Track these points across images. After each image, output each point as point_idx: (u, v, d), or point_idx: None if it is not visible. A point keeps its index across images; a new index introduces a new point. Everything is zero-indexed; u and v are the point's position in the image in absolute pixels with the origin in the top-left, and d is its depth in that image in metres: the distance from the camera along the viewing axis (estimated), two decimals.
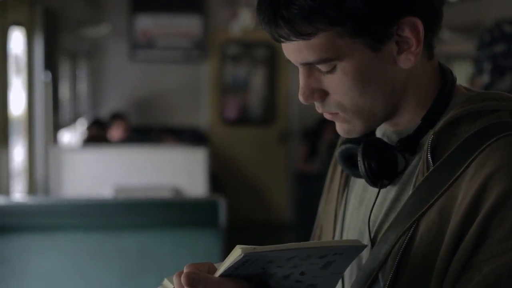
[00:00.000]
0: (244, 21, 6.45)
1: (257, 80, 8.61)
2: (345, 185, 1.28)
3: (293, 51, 1.07)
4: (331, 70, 1.06)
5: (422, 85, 1.11)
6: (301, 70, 1.09)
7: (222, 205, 3.74)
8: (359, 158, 1.12)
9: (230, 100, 8.46)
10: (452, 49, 6.33)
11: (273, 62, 8.31)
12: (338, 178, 1.30)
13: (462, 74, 5.96)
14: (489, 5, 5.47)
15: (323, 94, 1.09)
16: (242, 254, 0.92)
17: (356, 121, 1.10)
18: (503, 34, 3.50)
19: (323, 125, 7.64)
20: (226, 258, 0.97)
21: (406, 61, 1.06)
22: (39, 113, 5.11)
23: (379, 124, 1.14)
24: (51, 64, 5.37)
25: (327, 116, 1.13)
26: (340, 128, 1.13)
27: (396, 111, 1.11)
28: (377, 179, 1.11)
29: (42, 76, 5.10)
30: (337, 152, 1.22)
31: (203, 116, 8.24)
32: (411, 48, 1.05)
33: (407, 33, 1.04)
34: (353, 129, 1.11)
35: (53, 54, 5.55)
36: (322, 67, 1.06)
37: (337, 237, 1.26)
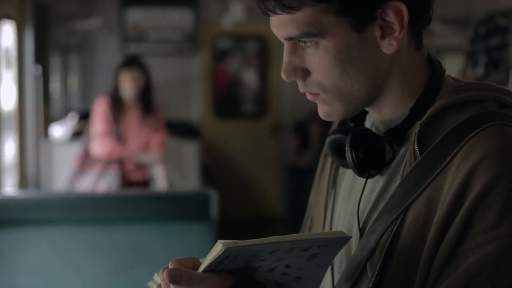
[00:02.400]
0: (236, 14, 6.44)
1: (249, 73, 8.60)
2: (335, 175, 1.29)
3: (278, 25, 1.08)
4: (314, 48, 1.07)
5: (410, 74, 1.11)
6: (285, 47, 1.10)
7: (214, 198, 3.75)
8: (347, 148, 1.13)
9: (221, 93, 8.45)
10: (443, 42, 6.35)
11: (265, 56, 8.30)
12: (329, 169, 1.31)
13: (453, 66, 5.97)
14: None
15: (305, 73, 1.10)
16: (223, 249, 0.92)
17: (336, 104, 1.11)
18: (497, 27, 3.52)
19: (314, 118, 7.65)
20: (209, 253, 0.97)
21: (389, 46, 1.06)
22: (29, 107, 5.10)
23: (360, 109, 1.14)
24: (41, 58, 5.36)
25: (308, 96, 1.14)
26: (321, 110, 1.13)
27: (380, 99, 1.12)
28: (364, 169, 1.12)
29: (32, 70, 5.09)
30: (326, 142, 1.22)
31: (194, 109, 8.23)
32: (394, 34, 1.05)
33: (391, 17, 1.04)
34: (334, 112, 1.12)
35: (44, 48, 5.53)
36: (304, 44, 1.08)
37: (327, 228, 1.27)
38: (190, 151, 5.87)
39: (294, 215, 7.00)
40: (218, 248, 0.93)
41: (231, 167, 8.38)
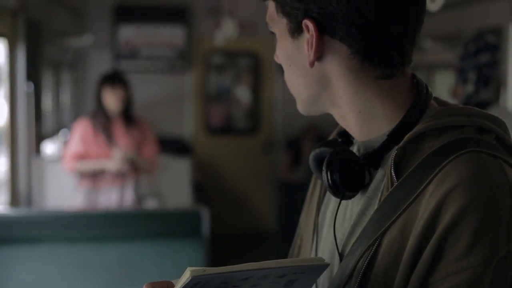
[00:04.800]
0: (228, 31, 6.46)
1: (241, 89, 8.62)
2: (324, 195, 1.28)
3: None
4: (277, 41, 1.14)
5: (372, 100, 1.10)
6: None
7: (205, 215, 3.75)
8: (323, 168, 1.13)
9: (214, 110, 8.47)
10: (435, 58, 6.38)
11: (257, 72, 8.33)
12: (319, 188, 1.30)
13: (444, 83, 6.00)
14: (470, 14, 5.52)
15: None
16: (190, 277, 0.92)
17: (295, 98, 1.17)
18: (487, 45, 3.54)
19: (306, 134, 7.67)
20: (179, 280, 0.96)
21: (308, 60, 1.10)
22: (21, 124, 5.09)
23: (318, 111, 1.17)
24: (33, 74, 5.36)
25: None
26: None
27: (342, 117, 1.14)
28: (339, 190, 1.11)
29: (24, 87, 5.09)
30: (310, 155, 1.22)
31: (187, 126, 8.24)
32: (310, 50, 1.08)
33: (307, 34, 1.08)
34: (297, 105, 1.18)
35: (36, 65, 5.53)
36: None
37: (314, 249, 1.26)
38: (182, 168, 5.87)
39: (287, 231, 7.00)
40: (187, 275, 0.93)
41: (224, 184, 8.38)
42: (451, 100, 3.97)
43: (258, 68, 8.26)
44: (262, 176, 8.46)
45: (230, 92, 8.57)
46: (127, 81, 4.99)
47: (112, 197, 4.81)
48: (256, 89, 8.41)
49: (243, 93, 8.60)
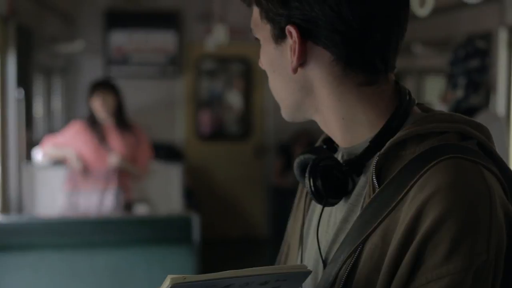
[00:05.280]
0: (219, 37, 6.47)
1: (232, 95, 8.64)
2: (310, 202, 1.28)
3: None
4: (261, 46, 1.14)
5: (355, 106, 1.10)
6: None
7: (196, 221, 3.75)
8: (306, 175, 1.13)
9: (205, 115, 8.48)
10: (425, 63, 6.40)
11: (248, 77, 8.34)
12: (305, 195, 1.30)
13: (435, 88, 6.01)
14: (460, 19, 5.54)
15: None
16: (170, 285, 0.92)
17: (279, 104, 1.16)
18: (477, 50, 3.56)
19: (297, 140, 7.68)
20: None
21: (291, 66, 1.09)
22: (12, 131, 5.09)
23: (299, 118, 1.17)
24: (24, 81, 5.35)
25: None
26: None
27: (325, 124, 1.14)
28: (322, 197, 1.11)
29: (15, 93, 5.08)
30: (295, 162, 1.21)
31: (178, 131, 8.24)
32: (293, 56, 1.08)
33: (290, 40, 1.08)
34: (282, 112, 1.17)
35: (27, 71, 5.53)
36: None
37: (299, 256, 1.26)
38: (173, 173, 5.87)
39: (279, 236, 6.97)
40: (167, 283, 0.93)
41: (215, 189, 8.38)
42: (440, 105, 3.98)
43: (249, 73, 8.27)
44: (254, 181, 8.46)
45: (221, 97, 8.58)
46: (117, 87, 5.01)
47: (92, 200, 4.84)
48: (248, 94, 8.42)
49: (234, 99, 8.61)
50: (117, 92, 4.97)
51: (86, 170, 4.88)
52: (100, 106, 4.88)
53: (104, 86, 4.99)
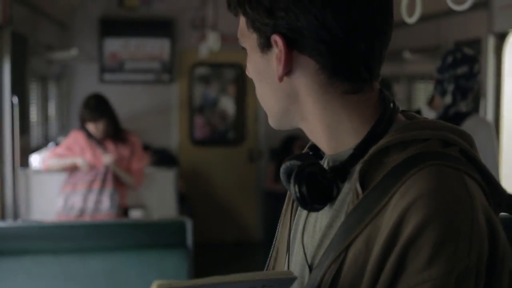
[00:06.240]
0: (212, 44, 6.52)
1: (226, 100, 8.69)
2: (297, 208, 1.29)
3: None
4: (248, 56, 1.16)
5: (340, 114, 1.12)
6: None
7: (190, 225, 3.76)
8: (291, 181, 1.14)
9: (199, 121, 8.53)
10: (415, 70, 6.45)
11: (241, 83, 8.39)
12: (292, 201, 1.32)
13: (424, 95, 6.06)
14: (448, 26, 5.60)
15: None
16: None
17: (267, 112, 1.19)
18: (465, 57, 3.60)
19: (290, 144, 7.71)
20: None
21: (277, 75, 1.11)
22: (7, 137, 5.12)
23: (285, 125, 1.19)
24: (19, 88, 5.39)
25: None
26: None
27: (311, 131, 1.16)
28: (307, 203, 1.12)
29: (10, 100, 5.11)
30: (281, 168, 1.21)
31: (172, 137, 8.28)
32: (278, 65, 1.10)
33: (276, 49, 1.10)
34: (269, 120, 1.20)
35: (22, 78, 5.57)
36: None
37: (286, 261, 1.28)
38: (167, 179, 5.91)
39: (272, 240, 7.04)
40: None
41: (209, 194, 8.41)
42: (428, 111, 4.00)
43: (242, 79, 8.32)
44: (248, 186, 8.50)
45: (215, 103, 8.63)
46: (107, 108, 5.01)
47: (89, 199, 4.92)
48: (241, 100, 8.47)
49: (228, 104, 8.66)
50: (107, 114, 4.98)
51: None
52: (93, 130, 4.98)
53: (94, 113, 4.95)
